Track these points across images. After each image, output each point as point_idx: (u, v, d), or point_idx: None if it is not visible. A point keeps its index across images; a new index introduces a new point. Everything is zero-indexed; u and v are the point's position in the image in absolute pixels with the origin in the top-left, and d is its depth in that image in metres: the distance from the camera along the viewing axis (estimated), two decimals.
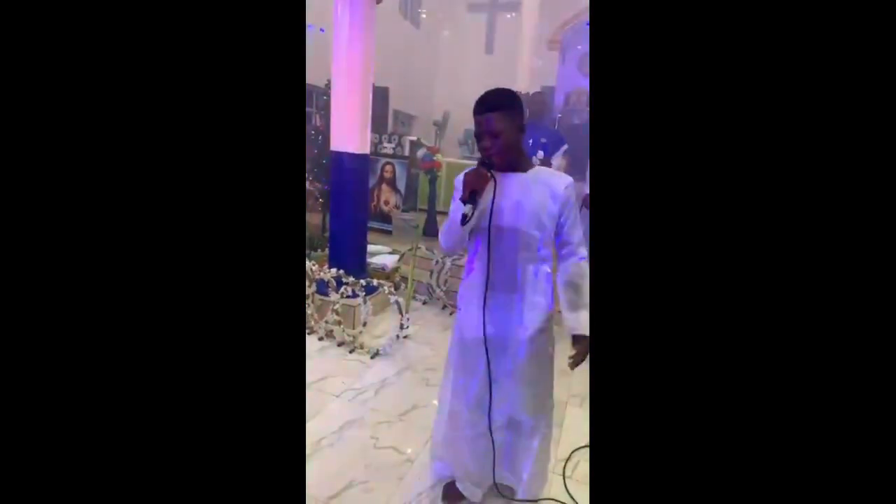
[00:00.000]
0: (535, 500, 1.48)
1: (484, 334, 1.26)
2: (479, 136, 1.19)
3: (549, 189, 1.20)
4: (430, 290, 3.34)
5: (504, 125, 1.15)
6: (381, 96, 6.05)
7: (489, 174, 1.16)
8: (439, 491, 1.51)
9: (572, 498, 1.52)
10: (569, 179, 1.23)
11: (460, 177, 1.22)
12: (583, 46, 8.78)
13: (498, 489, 1.43)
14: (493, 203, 1.19)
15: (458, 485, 1.43)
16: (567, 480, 1.61)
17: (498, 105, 1.15)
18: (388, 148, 4.88)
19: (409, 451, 1.71)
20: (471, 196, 1.14)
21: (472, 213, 1.15)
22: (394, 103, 7.16)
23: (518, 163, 1.23)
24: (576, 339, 1.25)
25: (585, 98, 7.45)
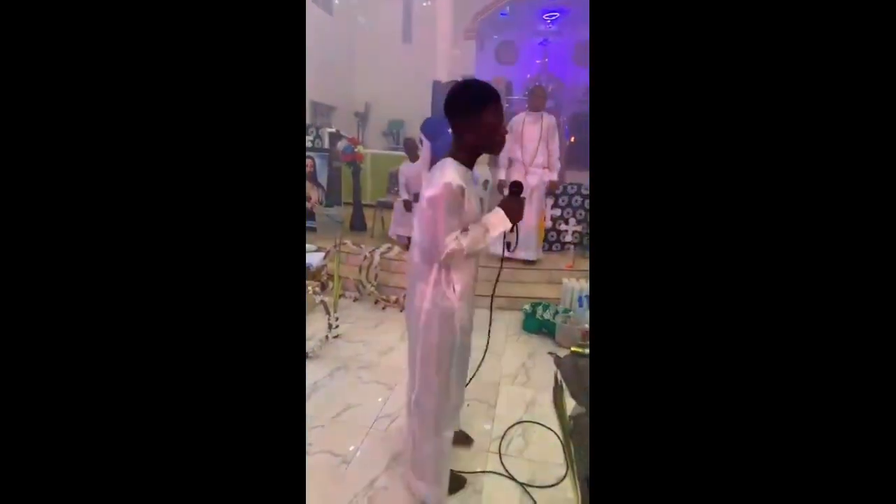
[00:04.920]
0: (477, 473, 1.53)
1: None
2: (495, 126, 1.21)
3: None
4: (360, 287, 3.27)
5: None
6: None
7: (524, 198, 1.29)
8: (379, 489, 1.50)
9: (507, 472, 1.59)
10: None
11: (454, 188, 1.13)
12: (499, 36, 8.98)
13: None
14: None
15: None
16: (502, 457, 1.67)
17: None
18: (306, 141, 4.66)
19: (344, 450, 1.67)
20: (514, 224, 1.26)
21: (517, 238, 1.32)
22: (310, 94, 6.83)
23: None
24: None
25: (503, 87, 7.65)
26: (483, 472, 1.59)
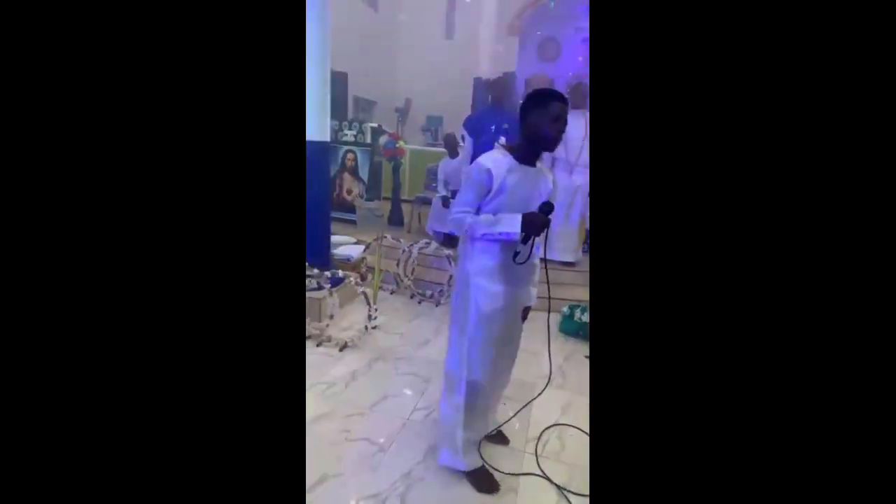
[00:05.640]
0: (512, 475, 1.53)
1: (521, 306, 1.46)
2: (557, 119, 1.25)
3: (546, 183, 1.38)
4: (398, 280, 3.32)
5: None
6: (340, 82, 5.87)
7: (550, 220, 1.28)
8: (414, 479, 1.53)
9: (544, 473, 1.58)
10: (552, 175, 1.42)
11: (480, 167, 1.28)
12: (542, 31, 8.82)
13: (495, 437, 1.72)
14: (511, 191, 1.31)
15: (476, 454, 1.52)
16: (539, 458, 1.66)
17: (565, 98, 1.28)
18: (349, 135, 4.76)
19: (379, 440, 1.71)
20: (528, 238, 1.27)
21: (528, 254, 1.31)
22: (353, 89, 6.96)
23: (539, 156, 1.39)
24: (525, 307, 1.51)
25: (546, 83, 7.52)
26: (521, 474, 1.58)
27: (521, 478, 1.56)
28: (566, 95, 1.34)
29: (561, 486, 1.52)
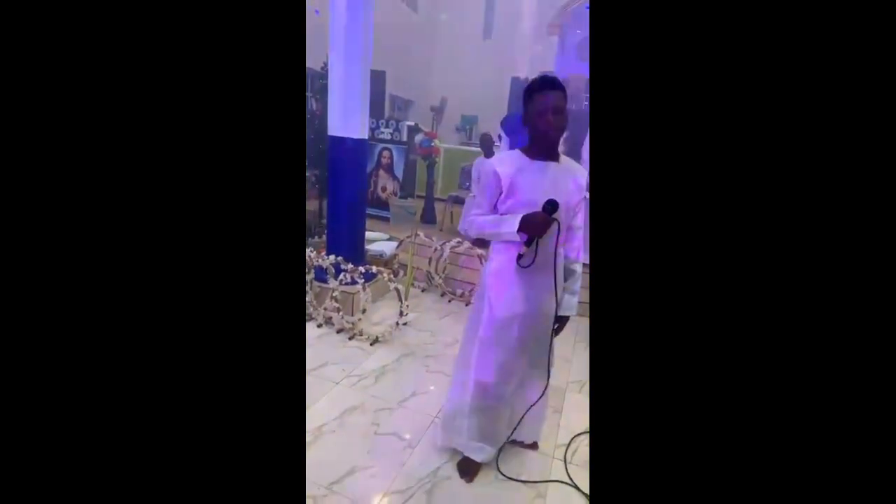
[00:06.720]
0: (540, 482, 1.50)
1: (526, 310, 1.37)
2: (541, 112, 1.19)
3: (574, 180, 1.29)
4: (429, 278, 3.33)
5: (565, 106, 1.19)
6: (378, 80, 5.95)
7: (555, 220, 1.21)
8: (440, 478, 1.53)
9: (572, 481, 1.54)
10: (585, 172, 1.33)
11: (487, 170, 1.27)
12: (581, 31, 8.64)
13: (516, 444, 1.66)
14: (529, 192, 1.27)
15: (474, 450, 1.51)
16: (568, 465, 1.62)
17: (561, 87, 1.19)
18: (385, 133, 4.82)
19: (407, 436, 1.72)
20: (531, 239, 1.21)
21: (532, 257, 1.24)
22: (391, 88, 7.04)
23: (556, 151, 1.30)
24: (561, 318, 1.42)
25: (584, 84, 7.34)
26: (548, 481, 1.55)
27: (550, 485, 1.53)
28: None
29: (589, 494, 1.48)
